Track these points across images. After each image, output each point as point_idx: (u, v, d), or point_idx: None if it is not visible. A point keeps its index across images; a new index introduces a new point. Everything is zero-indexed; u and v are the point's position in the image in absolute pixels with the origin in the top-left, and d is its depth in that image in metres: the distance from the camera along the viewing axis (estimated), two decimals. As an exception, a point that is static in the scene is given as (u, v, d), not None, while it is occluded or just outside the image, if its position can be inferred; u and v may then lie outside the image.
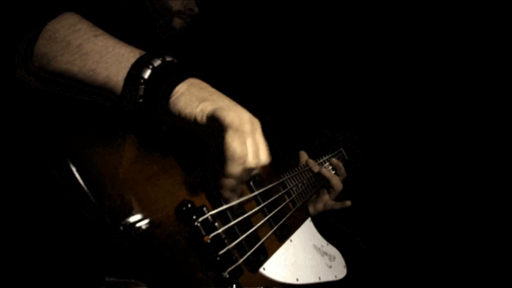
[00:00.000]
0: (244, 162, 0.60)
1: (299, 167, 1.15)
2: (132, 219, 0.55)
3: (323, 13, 2.18)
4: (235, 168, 0.59)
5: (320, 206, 1.21)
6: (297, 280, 0.89)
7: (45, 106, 0.65)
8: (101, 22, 0.67)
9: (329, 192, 1.19)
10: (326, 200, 1.20)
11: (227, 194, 0.66)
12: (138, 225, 0.55)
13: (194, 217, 0.61)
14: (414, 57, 2.20)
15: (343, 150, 1.72)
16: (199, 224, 0.61)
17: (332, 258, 1.19)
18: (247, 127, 0.60)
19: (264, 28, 2.02)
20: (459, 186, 2.18)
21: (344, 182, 1.27)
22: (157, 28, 1.17)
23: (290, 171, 1.06)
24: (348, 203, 1.23)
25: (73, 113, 0.63)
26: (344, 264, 1.24)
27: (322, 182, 1.24)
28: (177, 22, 1.14)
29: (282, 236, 0.89)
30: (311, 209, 1.22)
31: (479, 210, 2.11)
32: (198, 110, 0.58)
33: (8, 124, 0.69)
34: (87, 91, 0.63)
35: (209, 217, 0.63)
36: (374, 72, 2.27)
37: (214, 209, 0.68)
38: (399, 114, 2.26)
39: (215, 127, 0.58)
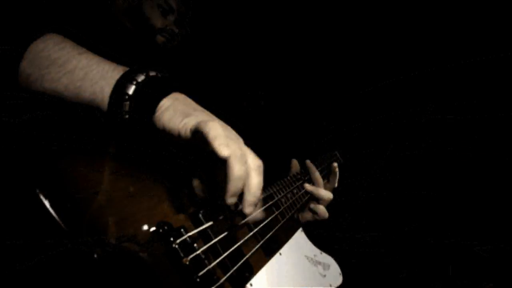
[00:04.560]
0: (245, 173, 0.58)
1: (288, 177, 1.14)
2: (110, 242, 0.55)
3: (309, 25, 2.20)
4: (240, 168, 0.57)
5: (308, 215, 1.19)
6: (287, 294, 0.88)
7: (20, 120, 0.64)
8: (92, 38, 0.67)
9: (318, 202, 1.18)
10: (314, 209, 1.19)
11: (232, 200, 0.60)
12: (115, 249, 0.55)
13: (172, 239, 0.60)
14: (411, 56, 2.20)
15: (337, 153, 1.71)
16: (176, 246, 0.60)
17: (326, 267, 1.18)
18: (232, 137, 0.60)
19: (251, 40, 2.04)
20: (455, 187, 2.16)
21: (334, 190, 1.25)
22: (147, 42, 1.24)
23: (277, 183, 1.05)
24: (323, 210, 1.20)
25: (53, 127, 0.62)
26: (340, 272, 1.23)
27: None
28: (160, 39, 1.26)
29: (270, 250, 0.88)
30: (300, 218, 1.21)
31: (476, 213, 2.09)
32: (181, 125, 0.58)
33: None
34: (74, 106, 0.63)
35: (187, 239, 0.62)
36: (362, 75, 2.27)
37: (196, 227, 0.68)
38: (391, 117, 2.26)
39: (200, 140, 0.57)
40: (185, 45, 1.34)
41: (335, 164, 1.26)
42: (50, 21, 0.67)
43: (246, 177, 0.59)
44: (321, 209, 1.16)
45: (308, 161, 1.22)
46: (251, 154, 0.62)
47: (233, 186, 0.57)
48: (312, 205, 1.17)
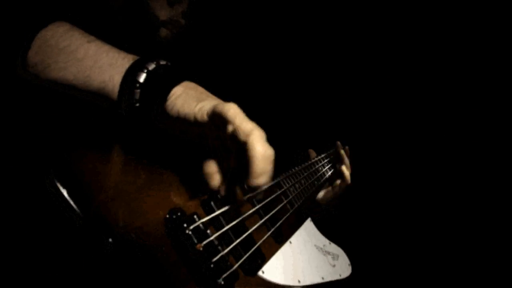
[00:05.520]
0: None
1: (296, 167, 1.15)
2: (121, 230, 0.55)
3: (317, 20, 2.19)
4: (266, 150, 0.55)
5: (328, 193, 1.24)
6: (299, 282, 0.88)
7: (35, 116, 0.65)
8: (95, 29, 0.67)
9: (333, 188, 1.22)
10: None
11: (264, 178, 0.57)
12: (126, 236, 0.55)
13: (185, 225, 0.60)
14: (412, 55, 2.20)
15: (339, 143, 1.72)
16: (190, 232, 0.60)
17: (335, 257, 1.18)
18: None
19: (255, 34, 2.03)
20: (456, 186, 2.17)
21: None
22: (149, 36, 1.20)
23: (286, 172, 1.06)
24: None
25: (65, 121, 0.63)
26: (349, 263, 1.23)
27: (322, 180, 1.24)
28: (163, 32, 1.17)
29: (280, 238, 0.88)
30: (320, 201, 1.25)
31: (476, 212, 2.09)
32: (197, 109, 0.57)
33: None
34: (83, 96, 0.63)
35: (200, 225, 0.62)
36: (368, 73, 2.28)
37: (207, 215, 0.68)
38: (394, 114, 2.26)
39: (217, 122, 0.56)
40: (181, 41, 1.30)
41: (346, 147, 1.33)
42: (59, 9, 0.67)
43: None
44: (346, 172, 1.28)
45: (342, 151, 1.29)
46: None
47: (260, 165, 0.53)
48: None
